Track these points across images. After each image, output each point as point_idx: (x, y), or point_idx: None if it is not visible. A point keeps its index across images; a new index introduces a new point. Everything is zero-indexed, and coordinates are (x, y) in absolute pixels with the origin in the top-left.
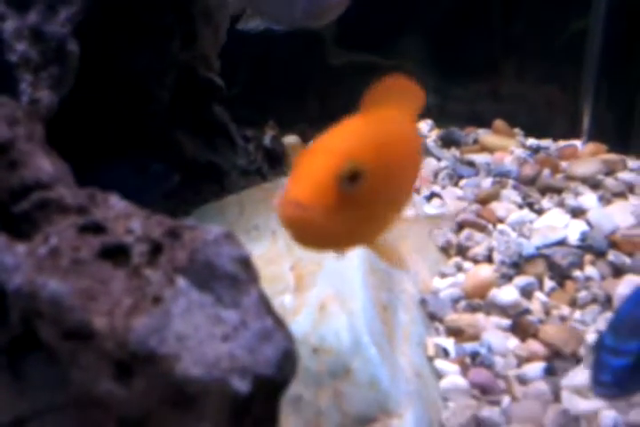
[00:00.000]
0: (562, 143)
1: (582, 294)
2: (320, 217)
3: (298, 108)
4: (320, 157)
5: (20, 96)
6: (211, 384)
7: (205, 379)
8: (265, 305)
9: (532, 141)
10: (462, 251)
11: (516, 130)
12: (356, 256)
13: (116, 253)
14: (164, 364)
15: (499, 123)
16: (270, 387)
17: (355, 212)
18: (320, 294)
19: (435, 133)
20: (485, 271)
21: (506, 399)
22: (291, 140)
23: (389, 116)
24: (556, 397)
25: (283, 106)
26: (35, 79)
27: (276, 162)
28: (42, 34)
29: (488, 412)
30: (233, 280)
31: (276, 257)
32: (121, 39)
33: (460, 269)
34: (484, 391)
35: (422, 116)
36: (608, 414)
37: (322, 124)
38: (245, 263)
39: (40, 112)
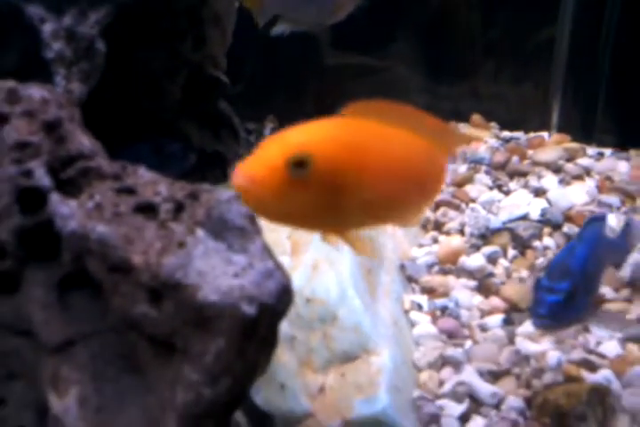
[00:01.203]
0: (532, 135)
1: (540, 261)
2: (263, 190)
3: (296, 106)
4: (276, 143)
5: (55, 87)
6: (225, 308)
7: (221, 304)
8: (267, 251)
9: (505, 134)
10: (438, 226)
11: (492, 124)
12: None
13: (146, 210)
14: (187, 291)
15: (476, 117)
16: (272, 313)
17: (305, 196)
18: (313, 257)
19: None
20: (457, 241)
21: (468, 343)
22: None
23: (369, 124)
24: (511, 341)
25: (282, 103)
26: (68, 73)
27: None
28: (75, 34)
29: (452, 352)
30: (241, 231)
31: (274, 226)
32: (139, 40)
33: (435, 241)
34: (451, 336)
35: None
36: (553, 354)
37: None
38: (251, 218)
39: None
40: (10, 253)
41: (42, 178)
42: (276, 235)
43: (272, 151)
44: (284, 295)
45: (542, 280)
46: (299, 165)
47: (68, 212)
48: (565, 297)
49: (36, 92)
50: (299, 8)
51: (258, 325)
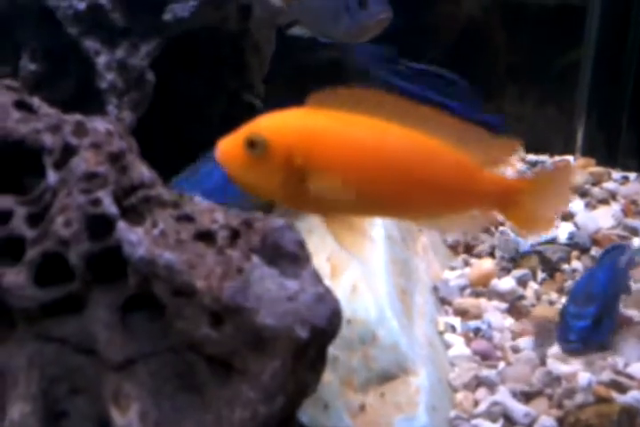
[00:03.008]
0: (557, 158)
1: (569, 284)
2: (229, 163)
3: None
4: (246, 126)
5: (108, 116)
6: (281, 331)
7: (277, 326)
8: (317, 277)
9: (530, 157)
10: (469, 249)
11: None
12: (380, 249)
13: (205, 237)
14: (247, 314)
15: None
16: (322, 335)
17: (265, 173)
18: (351, 278)
19: None
20: (487, 264)
21: (501, 364)
22: None
23: (337, 114)
24: (542, 362)
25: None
26: (119, 102)
27: None
28: (126, 66)
29: (487, 373)
30: (293, 258)
31: (314, 250)
32: (182, 67)
33: (466, 263)
34: (484, 358)
35: None
36: (584, 375)
37: None
38: (302, 245)
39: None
40: (78, 275)
41: (109, 206)
42: (315, 258)
43: (240, 132)
44: (334, 319)
45: (569, 307)
46: (253, 145)
47: (136, 239)
48: (593, 321)
49: (100, 125)
50: (318, 22)
51: (309, 346)
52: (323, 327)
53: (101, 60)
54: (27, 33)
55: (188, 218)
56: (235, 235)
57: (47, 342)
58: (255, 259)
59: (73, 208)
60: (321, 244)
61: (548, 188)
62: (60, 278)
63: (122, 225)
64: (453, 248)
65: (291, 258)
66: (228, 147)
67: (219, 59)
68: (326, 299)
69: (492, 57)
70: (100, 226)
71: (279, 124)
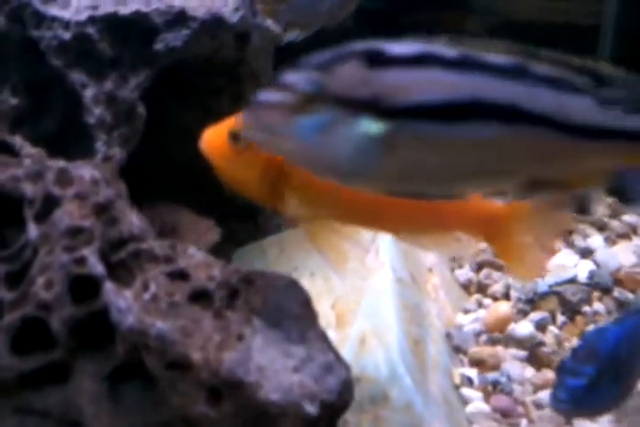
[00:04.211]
0: None
1: (591, 328)
2: (212, 153)
3: None
4: (230, 119)
5: (96, 153)
6: (287, 407)
7: (283, 403)
8: (326, 341)
9: None
10: (482, 288)
11: None
12: (389, 294)
13: (201, 297)
14: (248, 390)
15: None
16: (333, 409)
17: (246, 165)
18: (359, 330)
19: None
20: (504, 308)
21: (524, 422)
22: None
23: None
24: (568, 420)
25: None
26: (108, 138)
27: None
28: (115, 98)
29: None
30: (299, 320)
31: (316, 296)
32: (174, 97)
33: (480, 305)
34: (505, 415)
35: None
36: None
37: None
38: (308, 305)
39: (113, 167)
40: (61, 343)
41: (95, 266)
42: (319, 305)
43: (224, 124)
44: (345, 391)
45: (566, 361)
46: (236, 137)
47: (124, 305)
48: (589, 382)
49: (85, 172)
50: (303, 10)
51: (318, 423)
52: (333, 401)
53: (88, 93)
54: (8, 65)
55: (183, 275)
56: (234, 294)
57: (27, 415)
58: (256, 322)
59: (55, 268)
60: (325, 287)
61: (538, 219)
62: (41, 345)
63: (109, 287)
64: (466, 287)
65: (296, 320)
66: (212, 137)
67: (214, 89)
68: (335, 368)
69: None
70: (84, 288)
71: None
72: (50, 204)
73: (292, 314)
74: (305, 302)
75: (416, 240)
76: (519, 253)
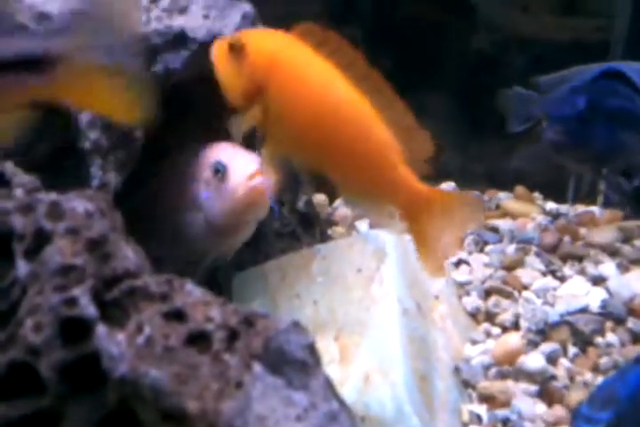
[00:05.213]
0: (580, 208)
1: (604, 361)
2: (215, 59)
3: None
4: (235, 33)
5: (91, 179)
6: None
7: None
8: (330, 388)
9: (551, 206)
10: (490, 317)
11: (535, 194)
12: (395, 327)
13: (199, 340)
14: None
15: (520, 189)
16: None
17: (240, 74)
18: (364, 366)
19: None
20: (514, 339)
21: None
22: (319, 199)
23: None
24: None
25: None
26: (104, 163)
27: (310, 225)
28: (111, 122)
29: None
30: (302, 365)
31: (319, 327)
32: (175, 120)
33: (489, 335)
34: None
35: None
36: None
37: None
38: (312, 349)
39: (109, 194)
40: (50, 389)
41: (87, 307)
42: (321, 338)
43: (228, 37)
44: None
45: (582, 407)
46: (232, 47)
47: (117, 353)
48: None
49: (79, 204)
50: None
51: None
52: None
53: (84, 116)
54: None
55: (179, 315)
56: (233, 336)
57: None
58: (257, 367)
59: (45, 310)
60: (329, 317)
61: (457, 209)
62: (30, 390)
63: (101, 331)
64: (473, 316)
65: (298, 365)
66: (218, 46)
67: (215, 109)
68: (340, 418)
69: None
70: (75, 330)
71: (259, 37)
72: (41, 239)
73: (295, 359)
74: (308, 347)
75: (360, 201)
76: (430, 241)
